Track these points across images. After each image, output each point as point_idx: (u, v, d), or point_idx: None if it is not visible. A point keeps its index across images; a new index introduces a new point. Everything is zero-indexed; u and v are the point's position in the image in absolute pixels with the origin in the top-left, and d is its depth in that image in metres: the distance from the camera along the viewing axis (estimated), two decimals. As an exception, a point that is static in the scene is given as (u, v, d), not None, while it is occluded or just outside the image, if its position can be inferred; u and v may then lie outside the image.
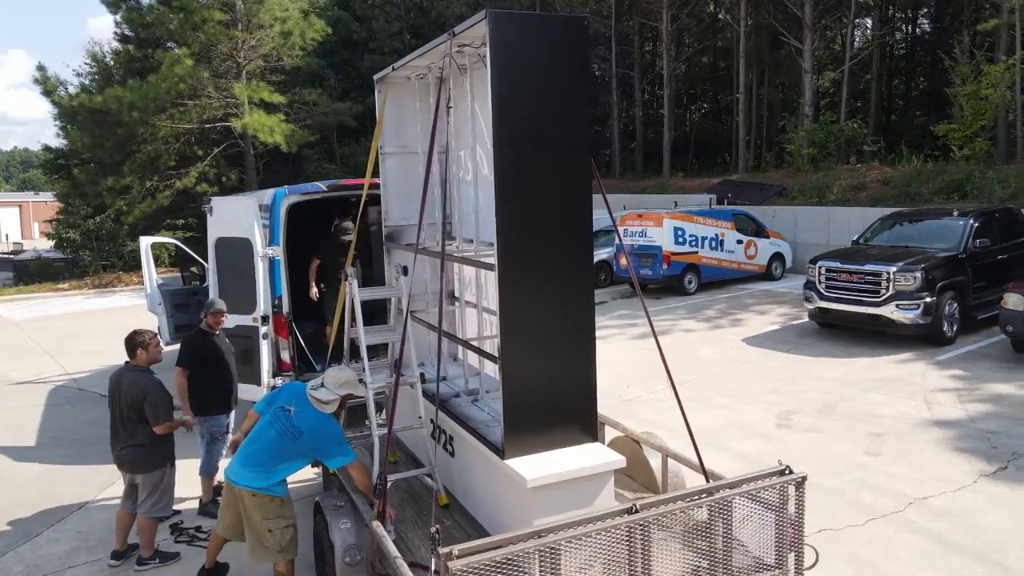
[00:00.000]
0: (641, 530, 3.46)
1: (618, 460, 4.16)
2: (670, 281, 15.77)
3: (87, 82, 30.03)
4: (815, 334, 11.72)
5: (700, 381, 9.53)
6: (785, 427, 7.74)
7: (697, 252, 15.94)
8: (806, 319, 12.19)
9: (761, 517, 3.84)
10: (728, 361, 10.45)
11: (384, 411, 6.04)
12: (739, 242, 16.71)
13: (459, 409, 4.95)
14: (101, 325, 15.72)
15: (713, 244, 16.23)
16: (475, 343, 5.04)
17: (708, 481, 4.41)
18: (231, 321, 7.58)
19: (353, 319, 5.06)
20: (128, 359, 5.10)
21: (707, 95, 36.17)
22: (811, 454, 6.95)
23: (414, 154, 6.27)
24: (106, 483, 6.77)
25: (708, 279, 16.27)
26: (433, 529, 3.77)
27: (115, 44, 30.48)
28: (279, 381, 7.39)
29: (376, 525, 4.02)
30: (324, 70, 31.64)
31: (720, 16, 30.71)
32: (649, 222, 15.88)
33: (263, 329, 7.39)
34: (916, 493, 6.04)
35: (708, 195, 21.28)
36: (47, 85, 24.25)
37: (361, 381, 4.61)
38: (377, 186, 6.55)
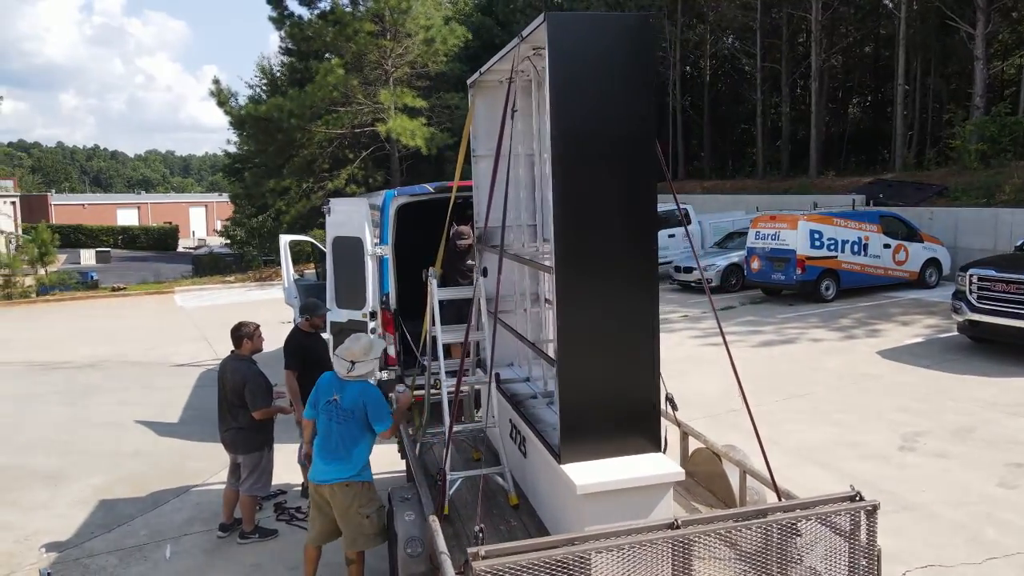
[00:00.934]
0: (683, 546, 3.33)
1: (677, 472, 4.02)
2: (804, 287, 14.86)
3: (257, 93, 32.76)
4: (963, 349, 10.63)
5: (819, 394, 8.93)
6: (908, 449, 7.09)
7: (836, 256, 14.91)
8: (955, 332, 11.07)
9: (828, 545, 3.59)
10: (856, 374, 9.71)
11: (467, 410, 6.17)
12: (886, 246, 15.45)
13: (532, 411, 4.97)
14: (256, 315, 17.09)
15: (855, 248, 15.11)
16: (544, 345, 5.04)
17: (780, 500, 4.16)
18: (344, 316, 8.04)
19: (434, 318, 5.22)
20: (234, 348, 5.57)
21: (867, 88, 33.68)
22: (934, 481, 6.33)
23: (504, 157, 6.34)
24: (228, 461, 7.41)
25: (849, 286, 15.17)
26: (477, 528, 3.83)
27: (281, 57, 33.01)
28: (384, 375, 7.74)
29: (433, 519, 4.13)
30: (467, 74, 32.60)
31: (884, 1, 28.52)
32: (783, 224, 15.05)
33: (371, 324, 7.76)
34: (1052, 534, 5.34)
35: (856, 196, 19.84)
36: (220, 97, 26.75)
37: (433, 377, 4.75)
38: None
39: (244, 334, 5.52)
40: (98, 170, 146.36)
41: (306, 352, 6.17)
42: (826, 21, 28.86)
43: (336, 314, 8.10)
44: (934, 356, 10.37)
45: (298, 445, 6.50)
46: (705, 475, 5.36)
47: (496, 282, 4.81)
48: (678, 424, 5.77)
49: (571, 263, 3.98)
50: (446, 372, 5.87)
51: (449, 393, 5.09)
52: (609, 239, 4.00)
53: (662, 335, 12.69)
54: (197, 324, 16.79)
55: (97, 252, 48.25)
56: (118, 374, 11.63)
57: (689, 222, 20.05)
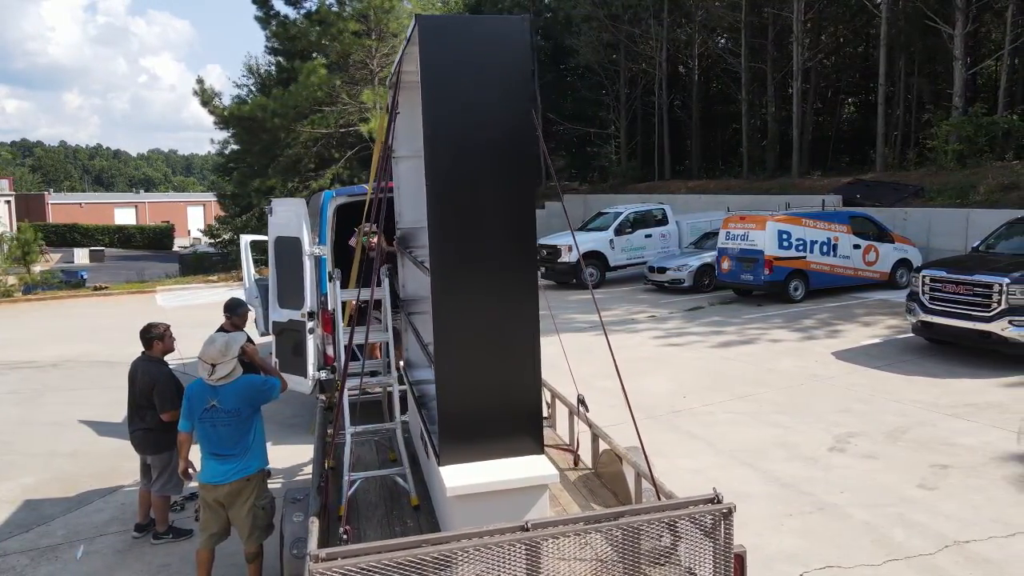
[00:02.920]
0: (532, 549, 3.34)
1: (552, 475, 4.02)
2: (773, 287, 14.85)
3: (244, 93, 32.81)
4: (919, 350, 10.62)
5: (765, 395, 8.93)
6: (839, 451, 7.09)
7: (804, 257, 14.90)
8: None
9: (689, 547, 3.59)
10: (806, 376, 9.71)
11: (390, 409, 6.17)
12: (856, 247, 15.43)
13: (432, 412, 4.98)
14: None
15: (824, 249, 15.10)
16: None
17: (659, 499, 4.18)
18: (285, 316, 8.06)
19: (348, 319, 5.24)
20: (144, 349, 5.58)
21: (857, 89, 33.60)
22: (855, 482, 6.33)
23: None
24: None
25: (818, 286, 15.16)
26: (342, 530, 3.85)
27: (269, 57, 33.05)
28: (323, 374, 7.75)
29: (313, 520, 4.14)
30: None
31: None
32: (752, 225, 15.05)
33: (309, 324, 7.78)
34: (959, 536, 5.34)
35: (833, 196, 19.82)
36: (204, 96, 26.78)
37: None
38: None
39: (154, 335, 5.54)
40: (100, 169, 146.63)
41: None
42: (813, 21, 28.83)
43: (278, 314, 8.12)
44: (889, 357, 10.36)
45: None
46: (610, 476, 5.37)
47: (372, 281, 4.80)
48: (589, 425, 5.79)
49: (446, 265, 3.98)
50: (370, 372, 5.91)
51: (353, 394, 5.10)
52: (486, 241, 4.00)
53: (626, 335, 12.86)
54: (172, 324, 16.80)
55: (91, 251, 48.37)
56: (77, 374, 11.66)
57: (666, 222, 20.07)
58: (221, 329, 6.48)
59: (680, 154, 33.61)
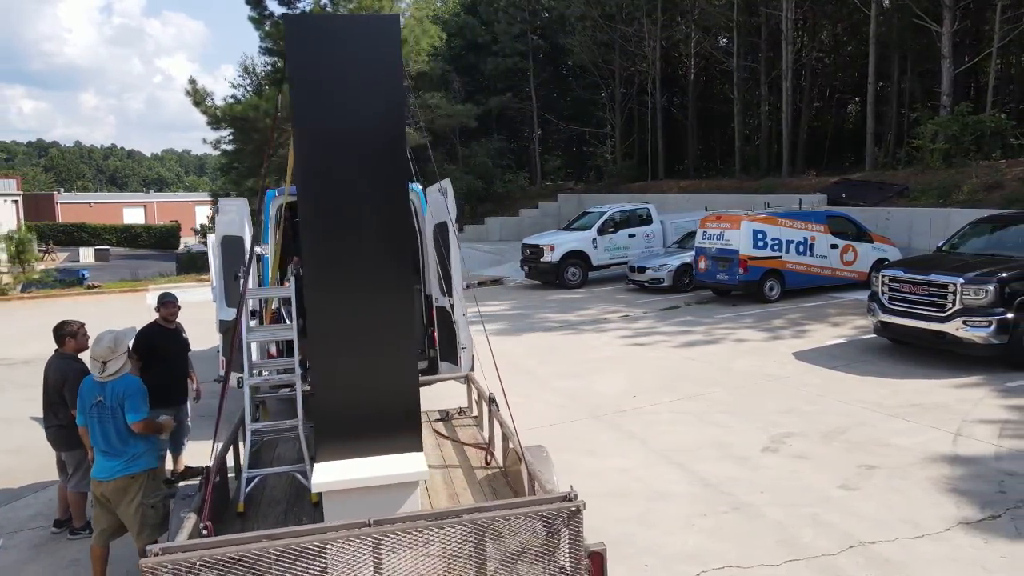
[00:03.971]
0: (374, 545, 3.36)
1: (421, 472, 4.04)
2: (748, 287, 14.79)
3: (239, 93, 32.98)
4: (879, 351, 10.55)
5: (715, 395, 8.90)
6: (771, 451, 7.06)
7: (780, 257, 14.82)
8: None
9: (540, 545, 3.60)
10: (761, 375, 9.67)
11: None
12: (833, 247, 15.34)
13: None
14: (207, 313, 17.30)
15: (800, 249, 15.02)
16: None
17: (531, 495, 4.19)
18: (231, 314, 8.11)
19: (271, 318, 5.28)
20: (57, 347, 5.65)
21: (856, 88, 33.33)
22: (778, 482, 6.31)
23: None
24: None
25: (794, 286, 15.08)
26: (202, 526, 3.88)
27: (264, 58, 33.21)
28: (265, 373, 7.81)
29: (190, 516, 4.18)
30: (450, 74, 32.68)
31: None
32: (727, 224, 14.99)
33: (252, 323, 7.83)
34: (867, 536, 5.31)
35: (820, 196, 19.72)
36: (196, 96, 26.96)
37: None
38: None
39: (67, 332, 5.60)
40: (114, 169, 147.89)
41: (152, 346, 6.25)
42: (810, 19, 28.65)
43: (225, 312, 8.18)
44: (847, 357, 10.30)
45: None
46: (514, 474, 5.37)
47: (244, 284, 4.83)
48: (500, 424, 5.79)
49: (317, 265, 4.01)
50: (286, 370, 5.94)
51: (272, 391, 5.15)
52: (356, 242, 4.03)
53: (594, 334, 12.82)
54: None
55: (96, 250, 48.81)
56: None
57: (650, 222, 20.03)
58: (154, 323, 6.56)
59: (678, 154, 33.52)
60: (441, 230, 8.02)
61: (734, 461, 6.84)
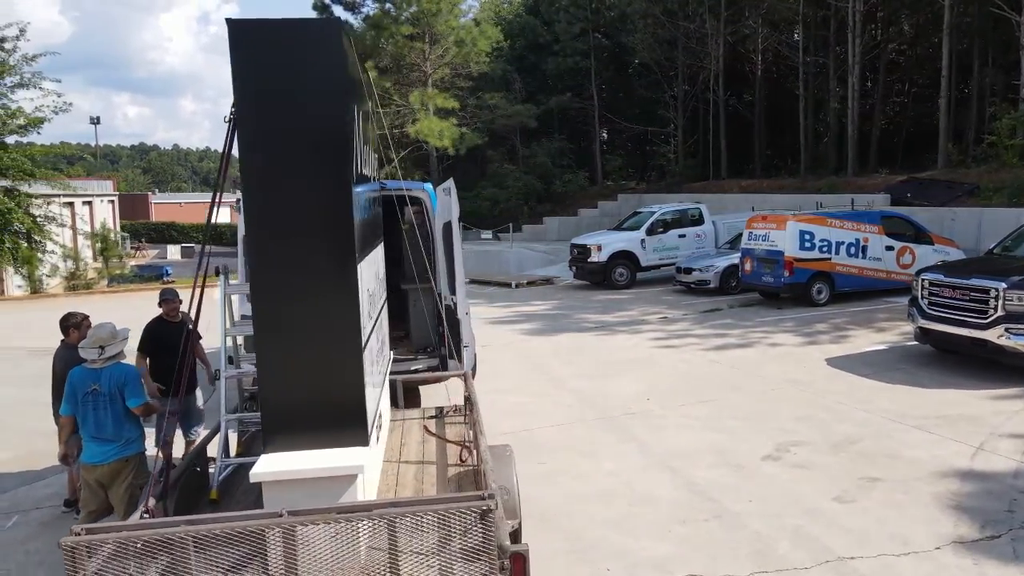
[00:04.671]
0: (285, 535, 3.44)
1: (356, 466, 4.09)
2: (794, 290, 14.27)
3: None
4: (919, 359, 10.00)
5: (730, 400, 8.65)
6: (773, 459, 6.81)
7: (829, 259, 14.23)
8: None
9: (458, 543, 3.61)
10: (784, 381, 9.33)
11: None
12: (889, 248, 14.62)
13: None
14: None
15: (852, 250, 14.38)
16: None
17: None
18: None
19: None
20: (63, 337, 6.00)
21: (933, 82, 31.61)
22: (771, 492, 6.09)
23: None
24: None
25: (845, 289, 14.45)
26: (143, 510, 4.07)
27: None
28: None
29: (151, 503, 4.38)
30: (511, 74, 32.82)
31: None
32: (772, 225, 14.51)
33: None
34: (847, 551, 5.07)
35: (883, 196, 18.84)
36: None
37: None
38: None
39: (71, 324, 5.94)
40: (208, 171, 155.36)
41: (155, 339, 6.56)
42: (884, 11, 27.35)
43: (245, 308, 8.49)
44: (883, 365, 9.82)
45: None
46: (482, 472, 5.38)
47: (203, 276, 5.00)
48: (474, 424, 5.81)
49: (263, 264, 4.12)
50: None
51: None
52: (302, 243, 4.10)
53: (627, 335, 12.75)
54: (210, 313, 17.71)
55: (182, 248, 51.51)
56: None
57: (702, 222, 19.60)
58: (158, 317, 6.87)
59: (745, 153, 32.62)
60: (446, 229, 8.11)
61: (730, 468, 6.64)
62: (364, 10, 29.85)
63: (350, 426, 4.30)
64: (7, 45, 24.31)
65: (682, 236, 19.30)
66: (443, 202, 8.23)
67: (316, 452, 4.21)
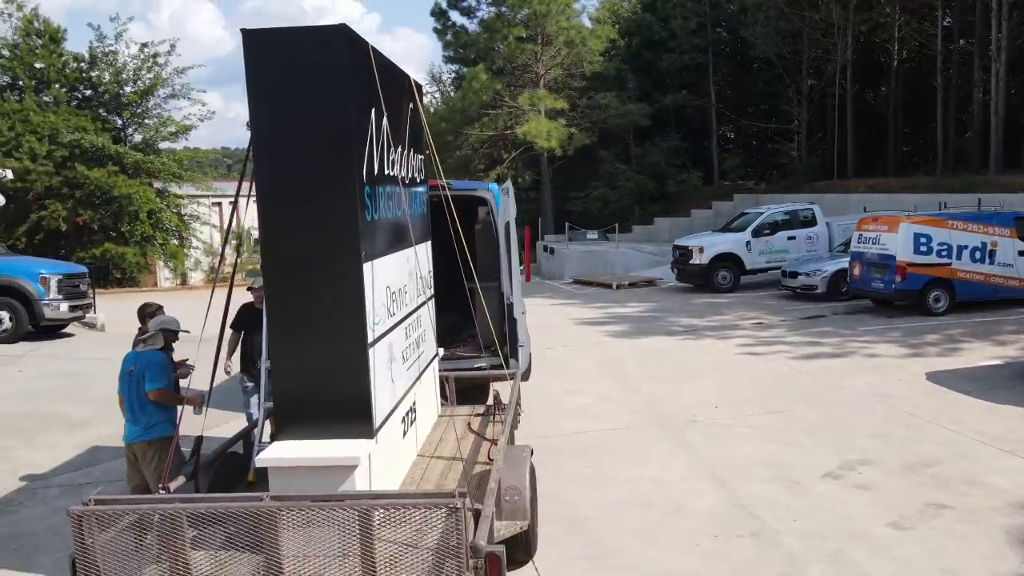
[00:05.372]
0: (268, 518, 3.60)
1: (352, 457, 4.21)
2: (907, 297, 13.20)
3: (427, 100, 35.10)
4: (1037, 376, 9.00)
5: (804, 412, 8.16)
6: (833, 477, 6.36)
7: (949, 264, 13.05)
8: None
9: (434, 539, 3.66)
10: (871, 395, 8.68)
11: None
12: (1022, 254, 13.22)
13: None
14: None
15: (977, 255, 13.12)
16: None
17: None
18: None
19: None
20: (140, 326, 6.55)
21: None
22: (819, 512, 5.70)
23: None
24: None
25: (968, 298, 13.19)
26: (161, 487, 4.38)
27: (449, 66, 35.07)
28: None
29: (180, 481, 4.73)
30: (625, 72, 32.37)
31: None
32: (884, 227, 13.50)
33: None
34: (887, 582, 4.67)
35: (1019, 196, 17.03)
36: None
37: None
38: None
39: (146, 313, 6.45)
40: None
41: (242, 322, 7.08)
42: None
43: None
44: (990, 382, 8.91)
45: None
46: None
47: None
48: (502, 423, 5.83)
49: (273, 263, 4.34)
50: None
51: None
52: (308, 243, 4.27)
53: (715, 340, 12.57)
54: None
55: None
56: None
57: (814, 223, 18.54)
58: (249, 303, 7.32)
59: (876, 150, 30.48)
60: (506, 229, 8.16)
61: (783, 484, 6.27)
62: (479, 14, 30.41)
63: (355, 419, 4.44)
64: (160, 60, 26.72)
65: (792, 238, 18.34)
66: (505, 203, 8.29)
67: (319, 442, 4.38)
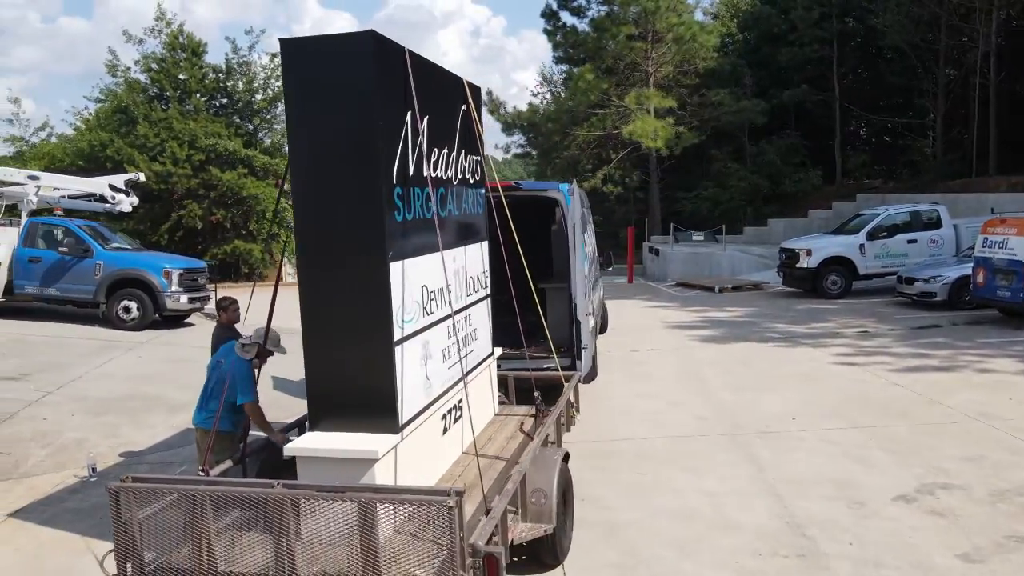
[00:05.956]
0: (278, 504, 3.78)
1: (371, 451, 4.32)
2: (1037, 307, 11.97)
3: (538, 101, 35.31)
4: None
5: (889, 429, 7.58)
6: (906, 500, 5.89)
7: (1089, 272, 11.71)
8: None
9: (419, 531, 3.72)
10: (971, 413, 7.93)
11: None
12: None
13: None
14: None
15: (1122, 262, 11.69)
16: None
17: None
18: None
19: None
20: (216, 319, 7.03)
21: None
22: (881, 537, 5.29)
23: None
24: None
25: (1112, 310, 11.80)
26: (200, 470, 4.68)
27: (560, 66, 35.08)
28: None
29: (225, 463, 5.04)
30: (741, 68, 31.22)
31: None
32: (1012, 230, 12.29)
33: None
34: (939, 617, 4.28)
35: None
36: (490, 105, 29.67)
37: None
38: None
39: (220, 307, 6.91)
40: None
41: None
42: None
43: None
44: (1120, 404, 7.94)
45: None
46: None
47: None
48: (541, 425, 5.82)
49: (307, 263, 4.55)
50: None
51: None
52: (338, 244, 4.44)
53: (809, 348, 12.24)
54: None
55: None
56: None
57: (939, 225, 17.14)
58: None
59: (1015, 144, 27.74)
60: (574, 229, 8.11)
61: (848, 504, 5.87)
62: (589, 13, 30.24)
63: (380, 414, 4.56)
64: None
65: (912, 241, 17.05)
66: (573, 203, 8.24)
67: (345, 435, 4.55)
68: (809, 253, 17.34)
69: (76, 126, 28.53)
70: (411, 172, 4.81)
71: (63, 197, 15.21)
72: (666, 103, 26.29)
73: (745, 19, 32.98)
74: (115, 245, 14.93)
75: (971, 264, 14.26)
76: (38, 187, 14.38)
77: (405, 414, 4.64)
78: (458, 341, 5.80)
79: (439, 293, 5.39)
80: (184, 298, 14.19)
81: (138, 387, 10.17)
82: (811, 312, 15.19)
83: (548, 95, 35.29)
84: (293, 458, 5.60)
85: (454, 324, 5.65)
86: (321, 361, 4.60)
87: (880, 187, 29.96)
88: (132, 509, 3.92)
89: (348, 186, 4.41)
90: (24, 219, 14.23)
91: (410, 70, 4.74)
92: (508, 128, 30.33)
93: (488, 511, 4.23)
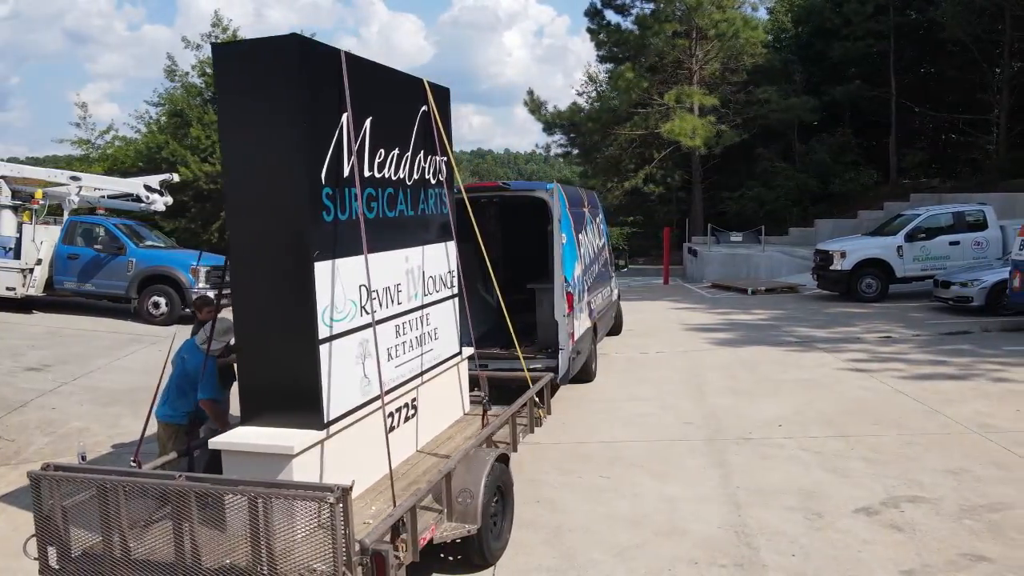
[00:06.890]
0: (179, 496, 3.90)
1: (287, 447, 4.41)
2: (1072, 315, 11.29)
3: (583, 100, 35.07)
4: None
5: (875, 439, 7.29)
6: (867, 513, 5.65)
7: None
8: None
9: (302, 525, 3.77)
10: (970, 424, 7.55)
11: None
12: None
13: None
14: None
15: None
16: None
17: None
18: None
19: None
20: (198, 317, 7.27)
21: None
22: (826, 550, 5.11)
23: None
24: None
25: None
26: (132, 460, 4.86)
27: (604, 65, 34.76)
28: None
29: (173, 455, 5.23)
30: (792, 64, 30.35)
31: None
32: (1049, 231, 11.62)
33: None
34: (858, 636, 4.12)
35: None
36: (531, 105, 29.65)
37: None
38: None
39: (196, 305, 7.15)
40: (531, 172, 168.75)
41: None
42: None
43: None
44: None
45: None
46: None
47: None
48: (485, 425, 5.83)
49: (237, 260, 4.67)
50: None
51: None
52: (266, 243, 4.55)
53: (822, 353, 12.07)
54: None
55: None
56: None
57: (984, 227, 16.32)
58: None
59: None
60: (556, 230, 8.08)
61: (806, 515, 5.68)
62: (634, 11, 29.89)
63: (305, 410, 4.66)
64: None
65: (955, 244, 16.28)
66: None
67: (269, 430, 4.65)
68: (843, 255, 16.76)
69: (137, 129, 29.84)
70: (346, 173, 4.86)
71: (103, 197, 15.93)
72: (708, 101, 25.79)
73: (799, 13, 32.04)
74: (149, 243, 15.58)
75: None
76: (79, 187, 15.10)
77: (332, 411, 4.72)
78: (412, 340, 5.86)
79: (385, 293, 5.45)
80: (211, 294, 14.66)
81: (150, 379, 10.56)
82: (839, 316, 14.68)
83: (593, 94, 35.01)
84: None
85: (405, 323, 5.72)
86: (251, 358, 4.72)
87: (938, 187, 28.67)
88: (54, 496, 4.11)
89: (273, 187, 4.51)
90: (66, 218, 14.98)
91: (345, 72, 4.80)
92: (549, 128, 30.27)
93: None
